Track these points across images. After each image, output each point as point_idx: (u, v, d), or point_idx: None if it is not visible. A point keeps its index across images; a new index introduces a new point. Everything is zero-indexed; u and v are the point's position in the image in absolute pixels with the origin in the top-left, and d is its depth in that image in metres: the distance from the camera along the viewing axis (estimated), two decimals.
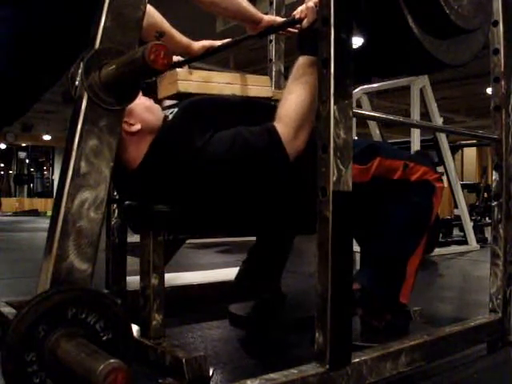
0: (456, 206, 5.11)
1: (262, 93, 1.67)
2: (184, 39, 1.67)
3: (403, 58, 1.26)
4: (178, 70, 1.58)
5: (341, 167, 1.03)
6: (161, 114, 1.37)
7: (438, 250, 4.31)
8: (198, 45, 1.69)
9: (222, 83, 1.61)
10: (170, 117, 1.38)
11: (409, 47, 1.18)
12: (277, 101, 1.44)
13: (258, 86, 1.68)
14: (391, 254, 1.43)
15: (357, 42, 1.15)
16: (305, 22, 1.28)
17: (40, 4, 1.25)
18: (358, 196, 1.16)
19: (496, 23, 1.54)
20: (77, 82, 0.97)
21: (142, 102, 1.32)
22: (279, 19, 1.67)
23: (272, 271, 1.88)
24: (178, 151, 1.25)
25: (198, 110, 1.40)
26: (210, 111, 1.38)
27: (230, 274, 2.33)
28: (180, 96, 1.60)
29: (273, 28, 1.62)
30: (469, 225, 5.00)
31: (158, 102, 1.60)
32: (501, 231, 1.54)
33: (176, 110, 1.39)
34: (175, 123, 1.34)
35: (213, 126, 1.29)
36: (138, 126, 1.27)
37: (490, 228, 1.63)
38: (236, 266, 1.89)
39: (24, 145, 19.00)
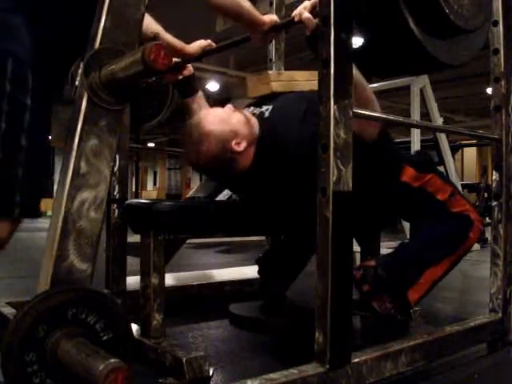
0: None
1: None
2: (176, 42, 1.64)
3: (403, 57, 1.26)
4: (269, 71, 1.74)
5: (341, 167, 1.03)
6: (255, 120, 1.52)
7: None
8: (194, 46, 1.66)
9: (303, 80, 1.75)
10: (267, 114, 1.54)
11: (409, 47, 1.18)
12: None
13: None
14: (411, 256, 1.50)
15: (357, 41, 1.15)
16: (307, 31, 1.29)
17: (51, 10, 1.24)
18: (401, 193, 1.50)
19: (496, 23, 1.53)
20: (77, 82, 0.97)
21: (240, 120, 1.47)
22: (278, 20, 1.66)
23: (296, 270, 1.90)
24: (282, 149, 1.42)
25: (289, 106, 1.55)
26: (299, 107, 1.51)
27: (230, 274, 2.33)
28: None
29: (272, 28, 1.62)
30: None
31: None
32: (501, 231, 1.53)
33: (270, 107, 1.56)
34: (274, 125, 1.49)
35: (303, 120, 1.44)
36: (244, 144, 1.45)
37: (490, 228, 1.63)
38: (236, 266, 1.89)
39: None
